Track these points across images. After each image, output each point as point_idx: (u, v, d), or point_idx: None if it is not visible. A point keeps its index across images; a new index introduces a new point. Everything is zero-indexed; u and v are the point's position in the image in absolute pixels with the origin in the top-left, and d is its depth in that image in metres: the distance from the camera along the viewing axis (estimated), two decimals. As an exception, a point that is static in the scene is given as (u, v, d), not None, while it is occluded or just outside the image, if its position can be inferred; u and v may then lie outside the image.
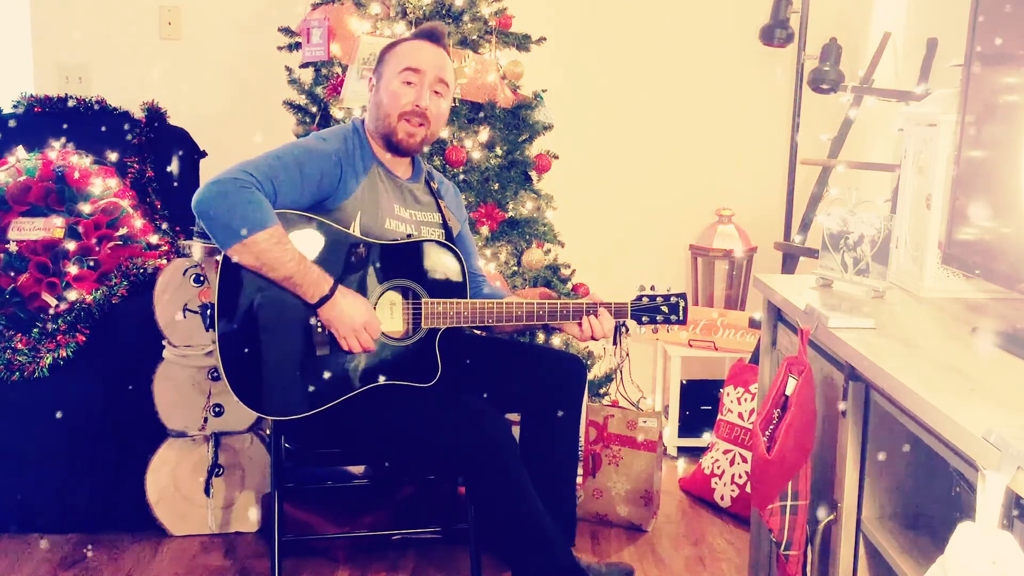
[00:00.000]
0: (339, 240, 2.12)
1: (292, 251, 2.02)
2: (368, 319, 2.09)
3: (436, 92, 2.24)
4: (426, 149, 2.75)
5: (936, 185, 1.96)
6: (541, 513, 2.08)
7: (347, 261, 2.12)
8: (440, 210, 2.34)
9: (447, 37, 2.36)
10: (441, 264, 2.20)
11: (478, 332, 2.55)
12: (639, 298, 2.28)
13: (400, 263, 2.17)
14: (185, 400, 2.71)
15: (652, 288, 2.29)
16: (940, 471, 1.58)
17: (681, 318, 2.29)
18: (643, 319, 2.28)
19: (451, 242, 2.30)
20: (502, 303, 2.20)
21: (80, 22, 3.58)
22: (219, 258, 2.06)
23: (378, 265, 2.15)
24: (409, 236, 2.21)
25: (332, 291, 2.05)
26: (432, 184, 2.37)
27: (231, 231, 1.96)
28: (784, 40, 3.23)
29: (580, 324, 2.23)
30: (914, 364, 1.47)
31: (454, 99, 2.79)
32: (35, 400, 2.68)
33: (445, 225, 2.33)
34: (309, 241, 2.08)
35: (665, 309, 2.27)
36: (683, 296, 2.29)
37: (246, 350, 2.08)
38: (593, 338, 2.25)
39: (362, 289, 2.13)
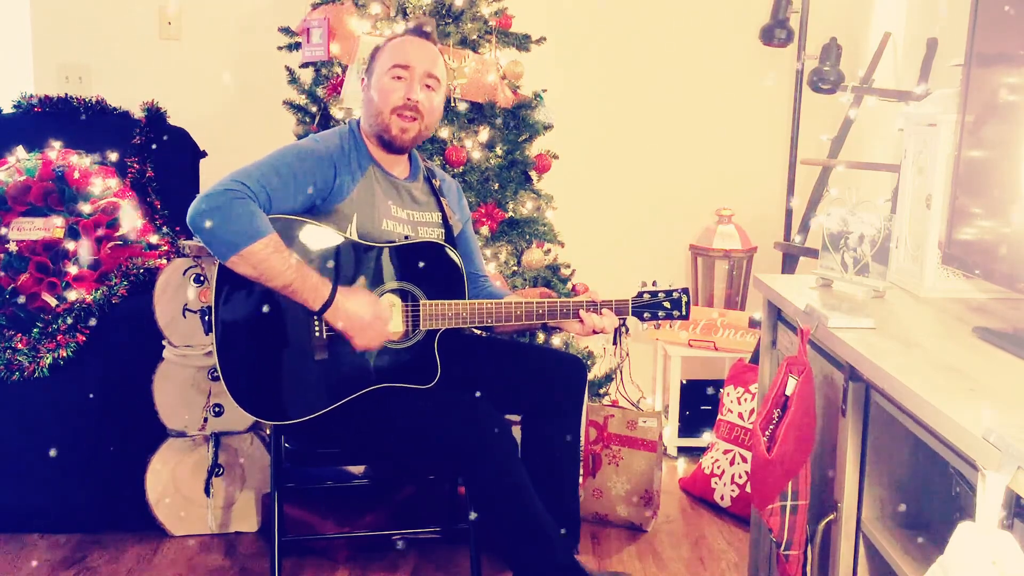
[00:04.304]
0: (335, 244, 2.11)
1: (289, 260, 2.00)
2: (375, 311, 2.08)
3: (427, 86, 2.22)
4: (425, 145, 2.76)
5: (936, 185, 1.96)
6: (541, 512, 2.08)
7: (343, 265, 2.11)
8: (441, 208, 2.32)
9: (436, 33, 2.34)
10: (438, 265, 2.19)
11: (479, 332, 2.55)
12: (640, 295, 2.26)
13: (397, 265, 2.16)
14: (185, 400, 2.71)
15: (654, 283, 2.27)
16: (940, 471, 1.58)
17: (684, 314, 2.26)
18: (644, 315, 2.26)
19: (452, 241, 2.29)
20: (500, 303, 2.19)
21: (80, 22, 3.58)
22: (216, 264, 2.06)
23: (375, 268, 2.14)
24: (407, 238, 2.20)
25: (332, 295, 2.04)
26: (434, 182, 2.35)
27: (227, 243, 1.96)
28: (784, 40, 3.23)
29: (581, 320, 2.21)
30: (914, 364, 1.47)
31: (454, 99, 2.79)
32: (35, 400, 2.68)
33: (446, 224, 2.31)
34: (306, 246, 2.07)
35: (667, 305, 2.25)
36: (685, 291, 2.27)
37: (245, 356, 2.08)
38: (595, 332, 2.23)
39: None
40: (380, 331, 2.09)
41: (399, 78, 2.19)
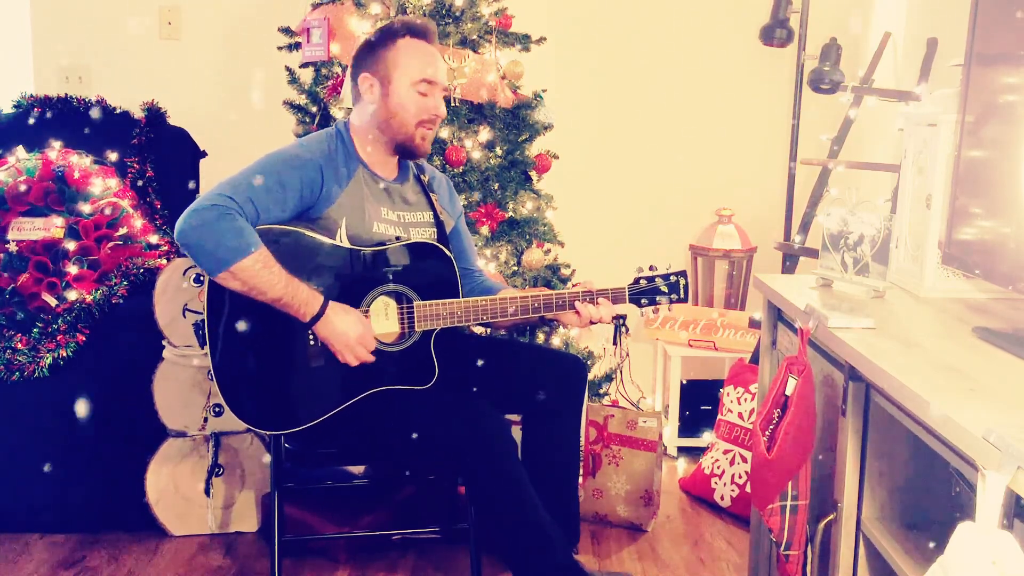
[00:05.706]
0: (326, 250, 2.11)
1: (279, 273, 2.00)
2: (362, 332, 2.08)
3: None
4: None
5: (936, 185, 1.96)
6: (540, 512, 2.08)
7: (336, 271, 2.11)
8: (432, 206, 2.32)
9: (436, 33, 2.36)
10: (430, 265, 2.19)
11: (479, 331, 2.55)
12: (636, 281, 2.25)
13: (390, 268, 2.15)
14: (185, 400, 2.71)
15: (651, 268, 2.26)
16: (940, 471, 1.58)
17: (682, 296, 2.25)
18: (642, 302, 2.25)
19: (444, 239, 2.29)
20: (495, 299, 2.18)
21: (80, 22, 3.58)
22: (205, 279, 2.05)
23: (368, 272, 2.14)
24: (398, 239, 2.20)
25: (323, 309, 2.04)
26: (423, 177, 2.35)
27: (216, 260, 1.96)
28: (784, 40, 3.23)
29: (577, 312, 2.21)
30: (914, 364, 1.47)
31: (454, 99, 2.79)
32: (35, 400, 2.68)
33: (438, 222, 2.30)
34: (296, 254, 2.06)
35: (664, 289, 2.25)
36: (682, 273, 2.26)
37: (240, 367, 2.08)
38: (592, 323, 2.23)
39: (353, 298, 2.11)
40: (361, 354, 2.08)
41: (425, 94, 2.20)
